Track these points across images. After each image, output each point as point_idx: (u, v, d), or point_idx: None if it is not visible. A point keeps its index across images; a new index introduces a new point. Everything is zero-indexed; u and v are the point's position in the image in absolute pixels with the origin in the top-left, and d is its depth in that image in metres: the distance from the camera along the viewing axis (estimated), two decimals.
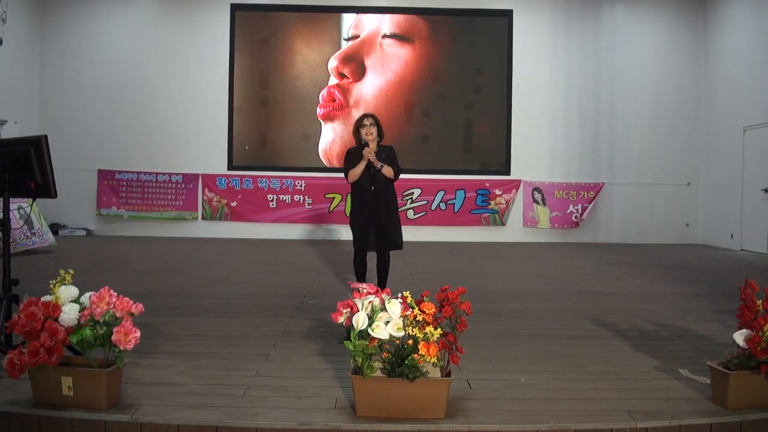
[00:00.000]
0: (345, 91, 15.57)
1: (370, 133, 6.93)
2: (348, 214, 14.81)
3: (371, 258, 7.30)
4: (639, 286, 8.90)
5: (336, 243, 14.32)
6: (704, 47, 15.76)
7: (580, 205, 15.54)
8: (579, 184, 15.61)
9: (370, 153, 6.86)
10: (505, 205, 15.54)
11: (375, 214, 7.02)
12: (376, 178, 6.97)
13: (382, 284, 7.03)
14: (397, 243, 7.21)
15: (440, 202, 15.44)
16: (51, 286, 3.85)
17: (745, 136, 13.97)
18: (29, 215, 10.91)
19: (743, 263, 11.93)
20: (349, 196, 14.77)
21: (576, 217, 15.55)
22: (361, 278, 7.09)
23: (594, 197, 15.55)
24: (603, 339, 5.72)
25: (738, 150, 14.16)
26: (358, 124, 7.05)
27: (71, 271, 3.98)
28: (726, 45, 14.91)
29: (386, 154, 7.04)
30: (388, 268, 7.25)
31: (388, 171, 6.97)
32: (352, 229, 7.25)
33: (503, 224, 15.60)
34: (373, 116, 7.08)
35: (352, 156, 7.09)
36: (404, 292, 3.83)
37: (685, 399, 4.06)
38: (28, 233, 11.12)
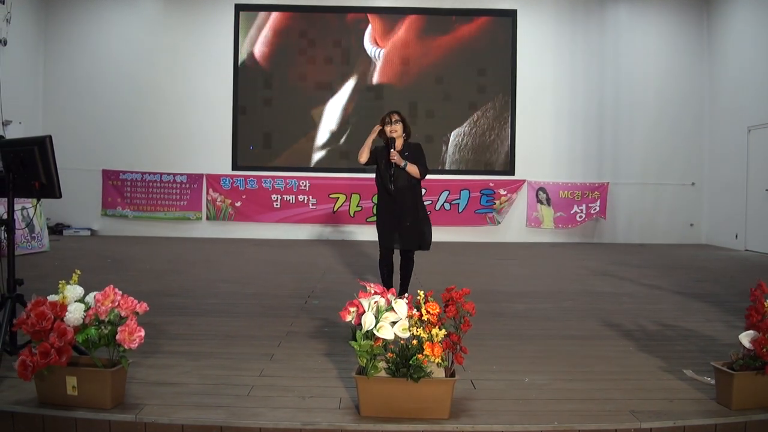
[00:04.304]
0: None
1: (394, 130, 6.81)
2: (352, 215, 15.06)
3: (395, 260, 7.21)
4: (643, 286, 8.88)
5: (340, 243, 14.33)
6: (708, 47, 15.75)
7: (584, 205, 15.52)
8: (583, 185, 15.59)
9: (395, 154, 6.73)
10: (509, 205, 15.53)
11: (397, 214, 6.85)
12: (397, 177, 6.85)
13: (404, 287, 6.93)
14: (423, 243, 7.00)
15: (444, 202, 15.44)
16: (60, 285, 3.84)
17: (750, 136, 13.95)
18: (32, 219, 10.92)
19: (748, 263, 11.91)
20: (353, 196, 14.97)
21: (580, 217, 15.54)
22: (386, 281, 6.93)
23: (599, 197, 15.52)
24: (607, 339, 5.72)
25: (742, 150, 14.15)
26: (383, 121, 6.91)
27: (78, 272, 3.99)
28: (730, 45, 14.90)
29: (411, 151, 6.90)
30: (411, 273, 7.10)
31: (413, 169, 6.80)
32: (378, 229, 7.05)
33: (499, 222, 15.59)
34: (398, 112, 6.96)
35: (375, 148, 6.98)
36: (418, 291, 3.81)
37: (689, 399, 4.06)
38: (29, 237, 11.12)
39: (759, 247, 13.55)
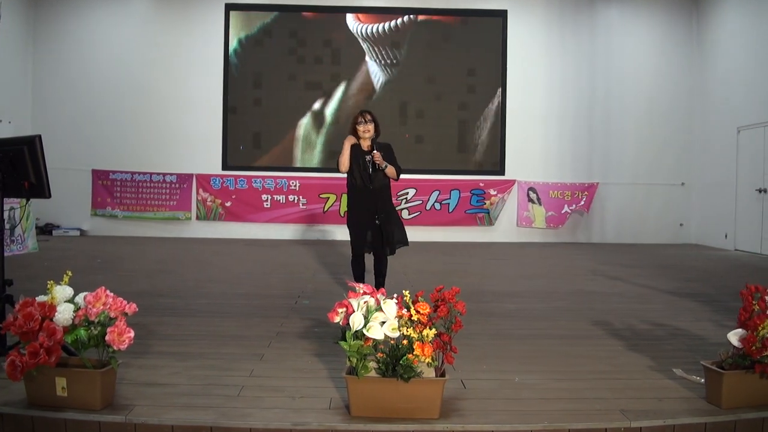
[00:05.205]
0: None
1: (367, 131, 6.83)
2: (342, 214, 15.01)
3: (369, 260, 7.23)
4: (633, 286, 8.90)
5: (330, 243, 14.32)
6: (698, 47, 15.80)
7: (575, 205, 15.56)
8: (573, 185, 15.62)
9: (378, 155, 6.76)
10: (500, 205, 15.55)
11: (372, 214, 6.89)
12: (374, 177, 6.87)
13: (381, 282, 6.97)
14: (402, 240, 7.10)
15: (435, 202, 15.46)
16: (49, 286, 3.82)
17: (739, 137, 14.00)
18: (18, 223, 10.85)
19: (737, 263, 11.95)
20: (343, 196, 14.90)
21: (568, 214, 15.59)
22: (360, 281, 6.93)
23: (587, 196, 15.55)
24: (597, 339, 5.73)
25: (732, 150, 14.20)
26: (355, 121, 6.93)
27: (69, 273, 3.97)
28: (720, 45, 14.95)
29: (384, 152, 6.90)
30: (386, 271, 7.12)
31: (391, 171, 6.87)
32: (350, 230, 7.10)
33: (492, 223, 15.60)
34: (370, 113, 6.99)
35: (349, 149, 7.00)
36: (404, 291, 3.82)
37: (679, 398, 4.07)
38: (8, 240, 11.01)
39: (748, 247, 13.60)
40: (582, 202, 15.56)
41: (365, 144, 6.93)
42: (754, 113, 13.42)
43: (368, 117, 6.88)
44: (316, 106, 15.66)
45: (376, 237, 6.97)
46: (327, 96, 15.63)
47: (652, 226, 15.74)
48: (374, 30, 15.63)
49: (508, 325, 6.31)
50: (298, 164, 15.66)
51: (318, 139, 15.67)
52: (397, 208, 8.05)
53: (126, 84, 15.31)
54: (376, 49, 15.66)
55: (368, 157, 6.84)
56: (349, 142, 6.93)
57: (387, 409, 3.65)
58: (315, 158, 15.67)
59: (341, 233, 14.98)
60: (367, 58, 15.69)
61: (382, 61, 15.71)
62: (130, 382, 4.18)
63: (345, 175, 7.10)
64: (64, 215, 15.11)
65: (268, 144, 15.66)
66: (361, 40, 15.66)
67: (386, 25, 15.65)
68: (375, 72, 15.69)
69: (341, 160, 6.93)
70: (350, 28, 15.67)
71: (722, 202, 14.56)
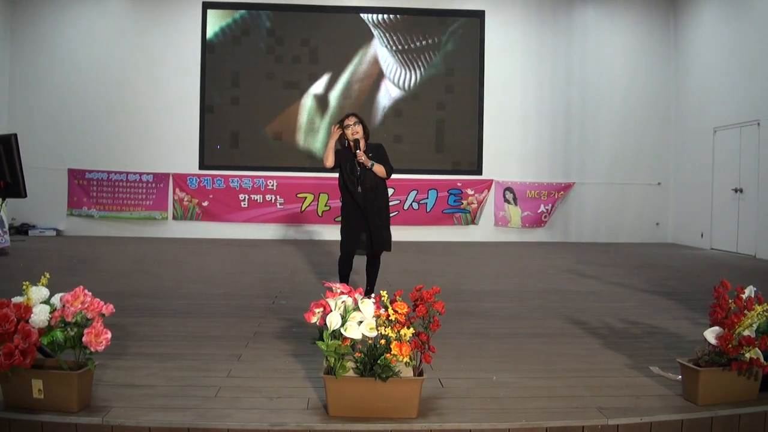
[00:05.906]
0: None
1: (356, 132, 6.72)
2: (320, 214, 15.02)
3: (357, 261, 7.20)
4: (609, 284, 8.96)
5: (308, 243, 14.30)
6: (675, 48, 15.92)
7: (550, 205, 15.63)
8: (550, 184, 15.69)
9: (361, 155, 6.68)
10: (476, 205, 15.59)
11: (365, 216, 6.80)
12: (363, 179, 6.78)
13: (371, 289, 6.91)
14: (386, 244, 6.98)
15: (412, 201, 15.47)
16: (24, 287, 3.79)
17: (716, 137, 14.11)
18: (1, 215, 10.78)
19: (713, 262, 12.05)
20: (321, 196, 14.93)
21: (545, 217, 15.65)
22: (345, 280, 6.88)
23: (564, 196, 15.64)
24: (574, 337, 5.75)
25: (708, 150, 14.31)
26: (342, 125, 6.83)
27: (47, 274, 3.93)
28: (696, 46, 15.07)
29: (374, 152, 6.83)
30: (377, 272, 7.08)
31: (379, 170, 6.76)
32: (341, 231, 7.00)
33: (475, 224, 15.65)
34: (355, 114, 6.90)
35: (336, 151, 6.90)
36: (381, 291, 3.82)
37: (655, 396, 4.10)
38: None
39: (724, 246, 13.72)
40: (551, 206, 15.65)
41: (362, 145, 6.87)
42: (731, 114, 13.53)
43: (353, 120, 6.79)
44: (293, 105, 15.63)
45: (371, 240, 6.91)
46: (304, 96, 15.62)
47: (628, 225, 15.83)
48: (383, 17, 15.67)
49: (486, 324, 6.33)
50: (275, 164, 15.61)
51: (295, 139, 15.63)
52: None
53: (103, 83, 15.20)
54: (387, 35, 15.67)
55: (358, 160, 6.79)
56: (333, 138, 6.86)
57: (365, 409, 3.65)
58: (319, 142, 15.54)
59: (319, 233, 15.02)
60: (376, 42, 15.73)
61: (394, 47, 15.71)
62: (107, 383, 4.15)
63: (332, 174, 7.04)
64: (39, 215, 14.97)
65: (246, 143, 15.61)
66: (372, 27, 15.67)
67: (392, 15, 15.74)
68: (352, 72, 15.67)
69: (326, 155, 6.87)
70: (360, 16, 15.74)
71: (698, 202, 14.68)
